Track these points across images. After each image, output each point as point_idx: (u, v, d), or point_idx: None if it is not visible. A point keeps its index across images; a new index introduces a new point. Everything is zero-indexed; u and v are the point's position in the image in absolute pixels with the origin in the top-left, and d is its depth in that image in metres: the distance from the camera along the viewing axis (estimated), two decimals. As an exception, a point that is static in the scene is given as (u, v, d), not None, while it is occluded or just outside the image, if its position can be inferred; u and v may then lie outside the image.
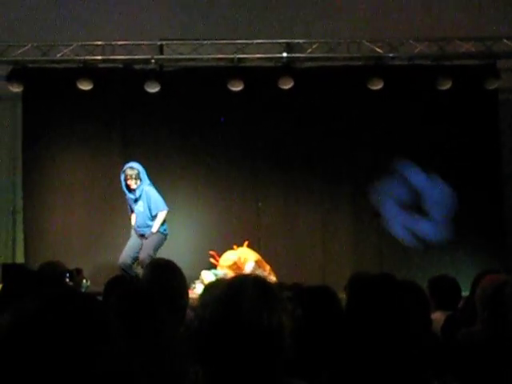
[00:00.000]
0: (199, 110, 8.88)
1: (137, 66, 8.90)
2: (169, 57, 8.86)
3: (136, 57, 8.74)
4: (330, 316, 2.76)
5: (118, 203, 8.36)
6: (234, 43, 8.72)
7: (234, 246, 8.29)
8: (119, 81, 8.85)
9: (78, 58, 8.64)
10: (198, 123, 8.94)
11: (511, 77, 8.89)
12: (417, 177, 8.41)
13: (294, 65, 8.83)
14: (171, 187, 8.70)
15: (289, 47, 8.84)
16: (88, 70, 8.59)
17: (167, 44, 8.85)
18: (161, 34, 8.82)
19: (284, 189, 9.04)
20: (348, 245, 8.98)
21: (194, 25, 8.92)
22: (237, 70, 8.65)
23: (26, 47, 8.61)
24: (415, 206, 8.45)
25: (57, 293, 1.20)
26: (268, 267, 8.23)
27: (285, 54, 8.74)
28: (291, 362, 1.72)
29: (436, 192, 8.46)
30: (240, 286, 1.73)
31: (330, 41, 8.80)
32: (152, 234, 7.71)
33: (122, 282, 3.75)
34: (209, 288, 2.90)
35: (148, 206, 7.74)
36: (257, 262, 8.12)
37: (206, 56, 8.77)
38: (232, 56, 8.69)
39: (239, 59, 8.70)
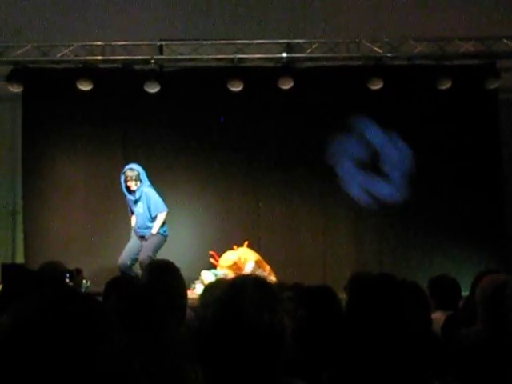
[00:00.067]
0: (199, 110, 8.87)
1: (137, 67, 8.89)
2: (169, 57, 8.86)
3: (136, 57, 8.74)
4: (330, 316, 2.76)
5: (118, 203, 8.35)
6: (233, 43, 8.72)
7: (234, 246, 8.28)
8: (119, 81, 8.84)
9: (77, 58, 8.64)
10: (198, 123, 8.94)
11: (511, 77, 8.88)
12: (375, 136, 8.40)
13: (294, 65, 8.82)
14: (171, 187, 8.69)
15: (289, 47, 8.83)
16: (88, 71, 8.59)
17: (167, 44, 8.85)
18: (161, 34, 8.82)
19: (284, 189, 9.03)
20: (348, 245, 8.97)
21: (194, 25, 8.92)
22: (237, 70, 8.65)
23: (26, 47, 8.61)
24: (373, 165, 8.48)
25: (57, 293, 1.20)
26: (268, 267, 8.22)
27: (285, 54, 8.73)
28: (291, 361, 1.72)
29: (394, 152, 8.46)
30: (241, 286, 1.73)
31: (330, 41, 8.80)
32: (152, 235, 7.71)
33: (122, 282, 3.75)
34: (209, 288, 2.91)
35: (148, 207, 7.74)
36: (257, 262, 8.11)
37: (205, 56, 8.76)
38: (232, 56, 8.68)
39: (239, 59, 8.69)
